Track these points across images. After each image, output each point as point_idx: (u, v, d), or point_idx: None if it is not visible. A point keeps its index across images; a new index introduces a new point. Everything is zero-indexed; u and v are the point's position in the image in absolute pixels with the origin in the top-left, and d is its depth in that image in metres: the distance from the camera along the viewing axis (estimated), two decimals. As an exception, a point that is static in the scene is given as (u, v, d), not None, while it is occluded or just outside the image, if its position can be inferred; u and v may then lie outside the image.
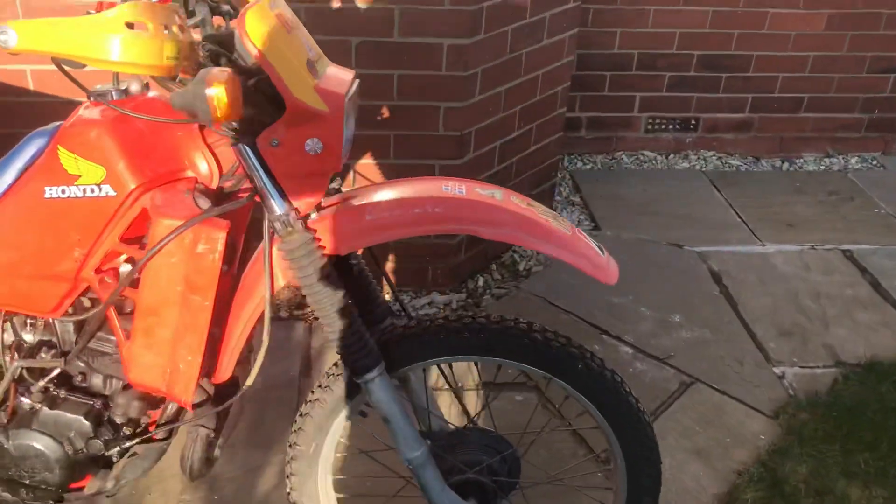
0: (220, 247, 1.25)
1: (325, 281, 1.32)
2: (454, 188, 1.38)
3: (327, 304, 1.33)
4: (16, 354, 1.40)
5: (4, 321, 1.40)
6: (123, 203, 1.26)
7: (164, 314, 1.29)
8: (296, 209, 1.30)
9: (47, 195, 1.28)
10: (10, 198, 1.30)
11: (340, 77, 1.31)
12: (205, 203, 1.28)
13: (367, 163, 2.52)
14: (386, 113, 2.45)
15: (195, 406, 1.46)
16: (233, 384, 1.48)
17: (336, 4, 2.27)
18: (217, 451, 1.56)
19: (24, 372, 1.41)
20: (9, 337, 1.41)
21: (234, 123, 1.23)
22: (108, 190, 1.26)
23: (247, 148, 1.25)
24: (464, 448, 1.53)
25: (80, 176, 1.26)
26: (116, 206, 1.26)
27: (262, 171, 1.26)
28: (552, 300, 2.73)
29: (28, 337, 1.41)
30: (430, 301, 2.73)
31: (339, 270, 1.56)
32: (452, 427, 1.63)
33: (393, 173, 2.53)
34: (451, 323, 1.43)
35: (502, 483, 1.53)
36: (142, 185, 1.26)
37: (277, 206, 1.28)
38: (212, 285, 1.27)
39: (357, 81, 1.36)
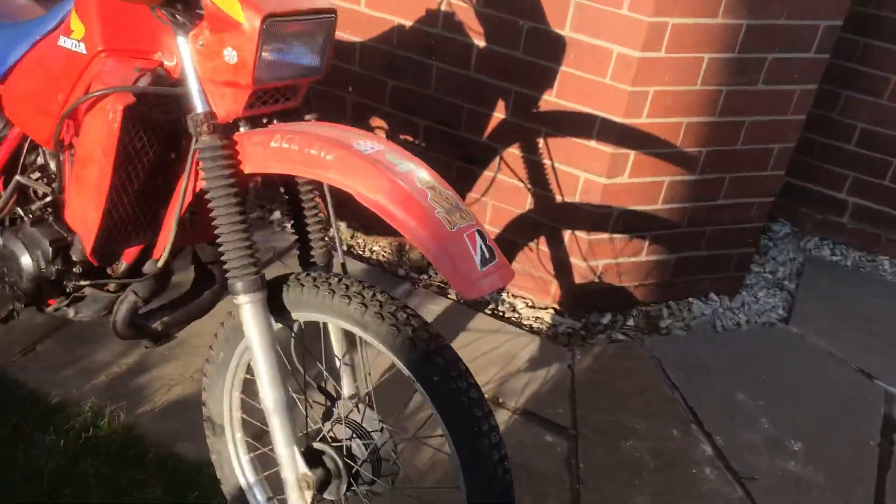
0: (118, 118, 1.35)
1: (224, 192, 1.35)
2: (367, 145, 1.32)
3: (221, 214, 1.37)
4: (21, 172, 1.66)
5: (27, 146, 1.67)
6: (91, 62, 1.42)
7: (86, 169, 1.44)
8: (213, 114, 1.34)
9: (58, 43, 1.48)
10: (46, 39, 1.54)
11: (289, 0, 1.32)
12: (144, 83, 1.39)
13: (514, 153, 2.45)
14: (542, 107, 2.35)
15: (130, 273, 1.60)
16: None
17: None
18: (158, 326, 1.69)
19: (31, 192, 1.67)
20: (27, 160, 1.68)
21: (175, 15, 1.31)
22: (82, 48, 1.43)
23: (182, 41, 1.32)
24: (338, 421, 1.48)
25: (73, 31, 1.44)
26: (85, 64, 1.43)
27: (187, 67, 1.33)
28: (666, 369, 2.43)
29: (35, 160, 1.66)
30: (538, 315, 2.59)
31: (290, 203, 1.59)
32: (338, 395, 1.57)
33: (538, 173, 2.43)
34: (349, 289, 1.38)
35: (353, 470, 1.45)
36: (108, 50, 1.41)
37: (196, 105, 1.34)
38: (108, 154, 1.38)
39: (331, 17, 1.36)
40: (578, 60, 2.23)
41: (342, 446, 1.46)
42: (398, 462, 1.50)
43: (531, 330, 2.52)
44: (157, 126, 1.46)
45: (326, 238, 1.56)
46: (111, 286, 1.66)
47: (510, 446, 2.00)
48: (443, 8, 2.36)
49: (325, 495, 1.48)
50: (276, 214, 2.88)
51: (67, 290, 1.67)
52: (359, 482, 1.47)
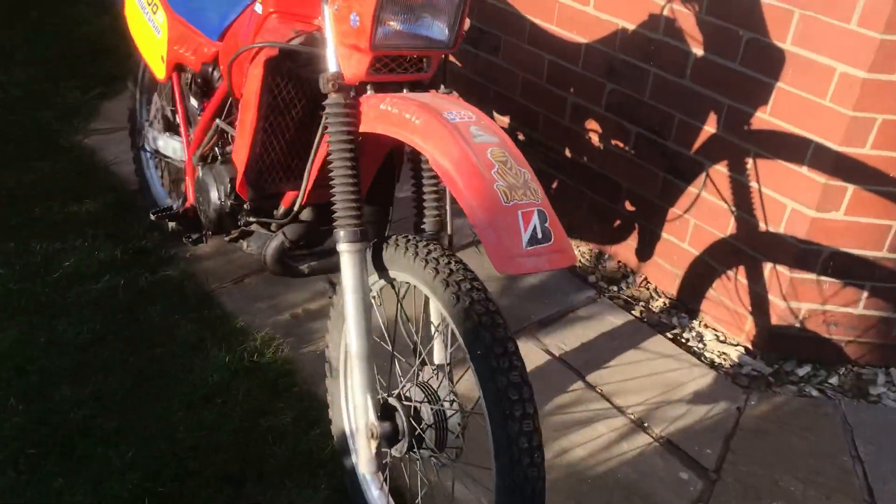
0: (261, 69, 1.53)
1: (340, 146, 1.48)
2: (456, 114, 1.36)
3: (336, 167, 1.50)
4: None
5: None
6: (264, 21, 1.63)
7: (243, 113, 1.65)
8: (341, 75, 1.47)
9: (253, 7, 1.72)
10: (251, 4, 1.79)
11: None
12: (297, 42, 1.56)
13: (721, 171, 2.30)
14: (754, 124, 2.18)
15: (285, 216, 1.80)
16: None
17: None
18: (305, 269, 1.88)
19: (227, 135, 1.94)
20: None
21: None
22: (260, 9, 1.64)
23: (325, 5, 1.47)
24: (415, 383, 1.54)
25: None
26: (260, 22, 1.64)
27: (326, 29, 1.47)
28: (856, 438, 2.12)
29: (234, 107, 1.92)
30: (724, 351, 2.40)
31: (413, 172, 1.67)
32: (425, 361, 1.62)
33: (743, 196, 2.26)
34: (429, 255, 1.44)
35: (416, 432, 1.50)
36: (277, 12, 1.60)
37: (329, 65, 1.48)
38: (255, 99, 1.56)
39: None
40: (796, 77, 2.04)
41: (412, 407, 1.51)
42: (462, 437, 1.51)
43: (711, 364, 2.35)
44: (306, 82, 1.63)
45: (441, 209, 1.62)
46: (272, 226, 1.87)
47: (638, 471, 1.91)
48: (665, 13, 2.28)
49: (391, 450, 1.55)
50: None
51: (239, 224, 1.92)
52: (422, 446, 1.51)
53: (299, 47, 1.56)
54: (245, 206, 1.87)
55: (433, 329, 1.62)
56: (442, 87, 1.58)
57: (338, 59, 1.48)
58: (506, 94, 2.88)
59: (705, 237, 2.41)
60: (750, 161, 2.22)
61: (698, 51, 2.24)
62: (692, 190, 2.40)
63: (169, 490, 1.80)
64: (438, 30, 1.48)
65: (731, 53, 2.17)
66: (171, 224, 2.11)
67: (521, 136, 2.89)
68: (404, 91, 1.54)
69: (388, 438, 1.53)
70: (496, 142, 1.34)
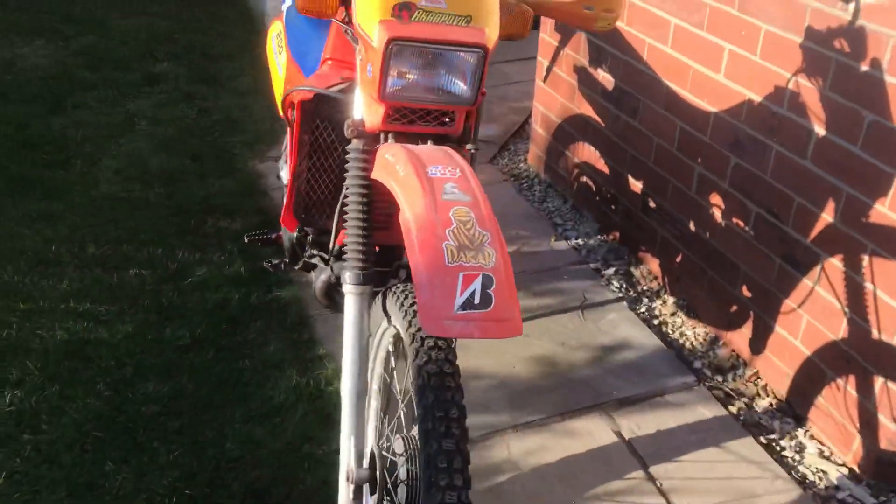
0: (296, 113, 1.62)
1: (356, 190, 1.54)
2: (439, 170, 1.37)
3: (350, 209, 1.56)
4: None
5: None
6: (321, 66, 1.74)
7: (290, 150, 1.76)
8: (363, 122, 1.54)
9: None
10: None
11: (433, 29, 1.41)
12: (337, 89, 1.64)
13: (836, 266, 2.06)
14: (872, 217, 1.94)
15: (302, 238, 1.90)
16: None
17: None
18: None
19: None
20: None
21: (348, 31, 1.54)
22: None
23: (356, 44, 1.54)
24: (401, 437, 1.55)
25: None
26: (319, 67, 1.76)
27: (357, 76, 1.54)
28: None
29: None
30: (823, 469, 2.12)
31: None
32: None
33: (857, 297, 2.01)
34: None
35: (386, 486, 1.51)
36: (331, 59, 1.71)
37: (354, 111, 1.55)
38: (293, 140, 1.66)
39: (476, 52, 1.44)
40: (918, 169, 1.79)
41: (388, 459, 1.52)
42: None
43: (801, 480, 2.09)
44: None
45: None
46: (325, 260, 1.97)
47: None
48: (790, 86, 2.10)
49: (364, 498, 1.56)
50: (610, 271, 2.87)
51: (305, 256, 2.03)
52: (394, 502, 1.51)
53: (329, 92, 1.64)
54: (309, 238, 1.98)
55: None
56: (469, 145, 1.58)
57: (363, 106, 1.54)
58: (640, 157, 2.78)
59: (818, 337, 2.16)
60: (866, 258, 1.96)
61: (820, 129, 2.04)
62: (807, 282, 2.17)
63: (198, 494, 1.93)
64: (455, 85, 1.49)
65: (852, 135, 1.95)
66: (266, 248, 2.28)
67: (651, 204, 2.77)
68: (428, 143, 1.56)
69: (369, 484, 1.55)
70: (467, 201, 1.32)
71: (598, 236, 3.06)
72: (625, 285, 2.80)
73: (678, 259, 2.68)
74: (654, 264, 2.80)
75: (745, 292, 2.41)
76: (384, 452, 1.54)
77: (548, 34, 3.24)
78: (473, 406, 2.16)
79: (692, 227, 2.59)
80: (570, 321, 2.62)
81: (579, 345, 2.52)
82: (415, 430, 1.55)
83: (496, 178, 3.47)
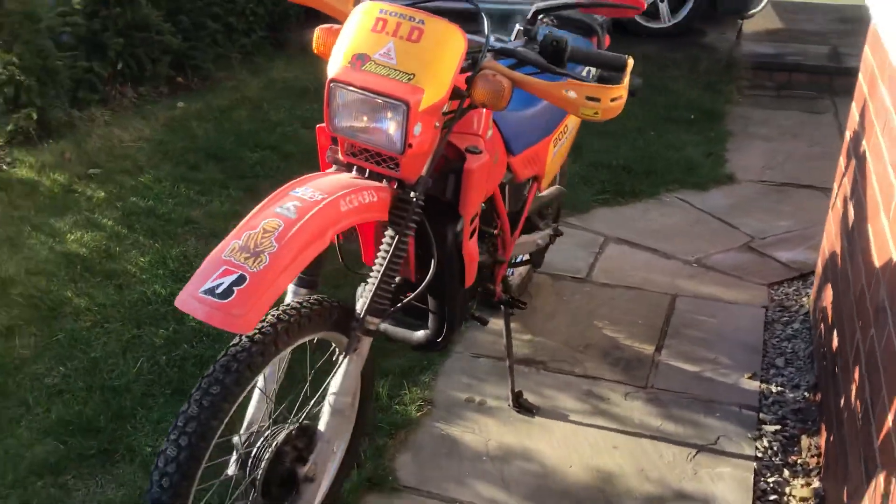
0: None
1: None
2: (305, 190, 1.67)
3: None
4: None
5: None
6: None
7: None
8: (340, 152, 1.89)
9: None
10: None
11: (372, 79, 1.71)
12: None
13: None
14: None
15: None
16: None
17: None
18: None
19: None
20: None
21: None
22: None
23: None
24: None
25: None
26: None
27: None
28: None
29: None
30: None
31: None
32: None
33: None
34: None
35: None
36: None
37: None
38: None
39: (398, 104, 1.68)
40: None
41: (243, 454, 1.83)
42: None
43: None
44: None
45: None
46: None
47: None
48: None
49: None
50: (773, 428, 2.48)
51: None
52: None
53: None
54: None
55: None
56: (412, 193, 1.79)
57: None
58: None
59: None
60: None
61: None
62: None
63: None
64: (383, 132, 1.72)
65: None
66: None
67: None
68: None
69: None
70: (287, 218, 1.60)
71: (804, 392, 2.64)
72: (777, 447, 2.42)
73: (861, 456, 2.23)
74: (829, 442, 2.36)
75: None
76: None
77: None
78: (493, 479, 2.25)
79: None
80: (674, 454, 2.40)
81: (657, 479, 2.32)
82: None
83: (758, 300, 3.17)
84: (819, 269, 3.05)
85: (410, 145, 1.74)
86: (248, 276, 1.52)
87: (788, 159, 4.58)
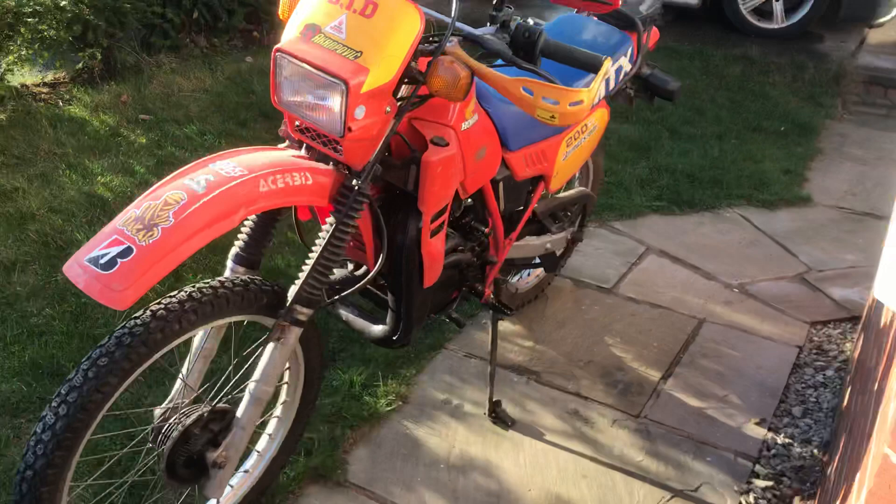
0: None
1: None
2: (224, 166, 1.58)
3: None
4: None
5: None
6: None
7: None
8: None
9: None
10: None
11: (316, 52, 1.61)
12: None
13: None
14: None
15: None
16: None
17: None
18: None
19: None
20: None
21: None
22: None
23: None
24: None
25: None
26: None
27: None
28: None
29: None
30: None
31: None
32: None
33: None
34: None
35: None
36: None
37: None
38: None
39: (335, 82, 1.57)
40: None
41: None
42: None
43: None
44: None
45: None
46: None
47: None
48: None
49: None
50: (765, 483, 2.25)
51: None
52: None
53: None
54: None
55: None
56: (355, 181, 1.68)
57: None
58: None
59: None
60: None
61: None
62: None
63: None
64: (324, 110, 1.61)
65: None
66: None
67: None
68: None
69: None
70: (192, 192, 1.51)
71: (813, 449, 2.38)
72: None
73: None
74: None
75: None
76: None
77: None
78: (444, 491, 2.19)
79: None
80: (645, 494, 2.21)
81: (619, 518, 2.14)
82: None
83: (794, 339, 2.89)
84: (864, 313, 2.75)
85: (350, 129, 1.62)
86: (134, 250, 1.44)
87: (877, 187, 4.18)
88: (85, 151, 3.66)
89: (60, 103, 4.03)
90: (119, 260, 1.43)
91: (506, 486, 2.23)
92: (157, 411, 1.79)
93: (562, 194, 2.69)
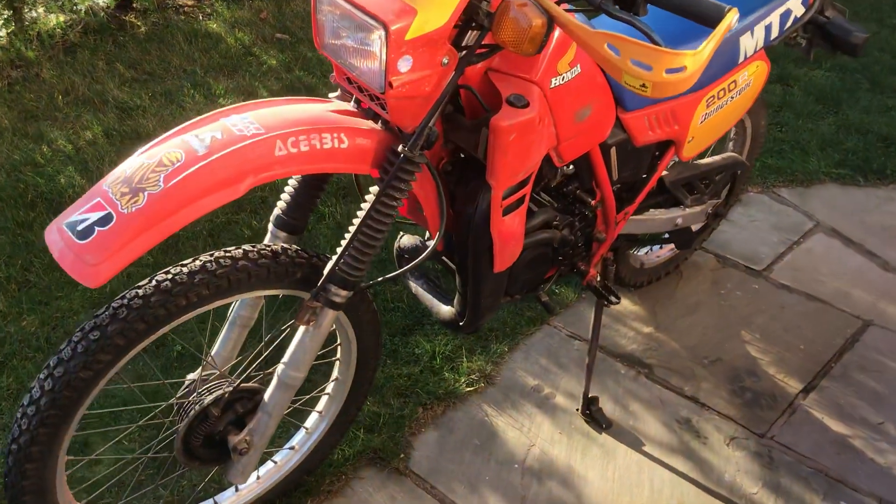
0: None
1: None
2: (236, 122, 1.36)
3: None
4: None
5: None
6: None
7: None
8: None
9: None
10: None
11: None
12: None
13: None
14: None
15: None
16: None
17: None
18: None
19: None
20: None
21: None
22: None
23: None
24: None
25: None
26: None
27: None
28: None
29: None
30: None
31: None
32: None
33: None
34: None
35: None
36: None
37: None
38: None
39: (376, 25, 1.31)
40: None
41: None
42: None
43: None
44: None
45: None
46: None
47: None
48: None
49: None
50: None
51: None
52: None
53: None
54: None
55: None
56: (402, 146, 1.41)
57: None
58: None
59: None
60: None
61: None
62: None
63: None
64: (364, 59, 1.36)
65: None
66: None
67: None
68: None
69: None
70: (192, 152, 1.31)
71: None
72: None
73: None
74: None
75: None
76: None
77: None
78: (512, 497, 2.00)
79: None
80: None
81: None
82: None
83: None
84: None
85: (391, 84, 1.33)
86: (114, 217, 1.24)
87: None
88: (213, 70, 3.57)
89: (201, 17, 3.96)
90: (96, 228, 1.24)
91: (587, 501, 1.94)
92: (188, 380, 1.64)
93: (703, 160, 2.27)
